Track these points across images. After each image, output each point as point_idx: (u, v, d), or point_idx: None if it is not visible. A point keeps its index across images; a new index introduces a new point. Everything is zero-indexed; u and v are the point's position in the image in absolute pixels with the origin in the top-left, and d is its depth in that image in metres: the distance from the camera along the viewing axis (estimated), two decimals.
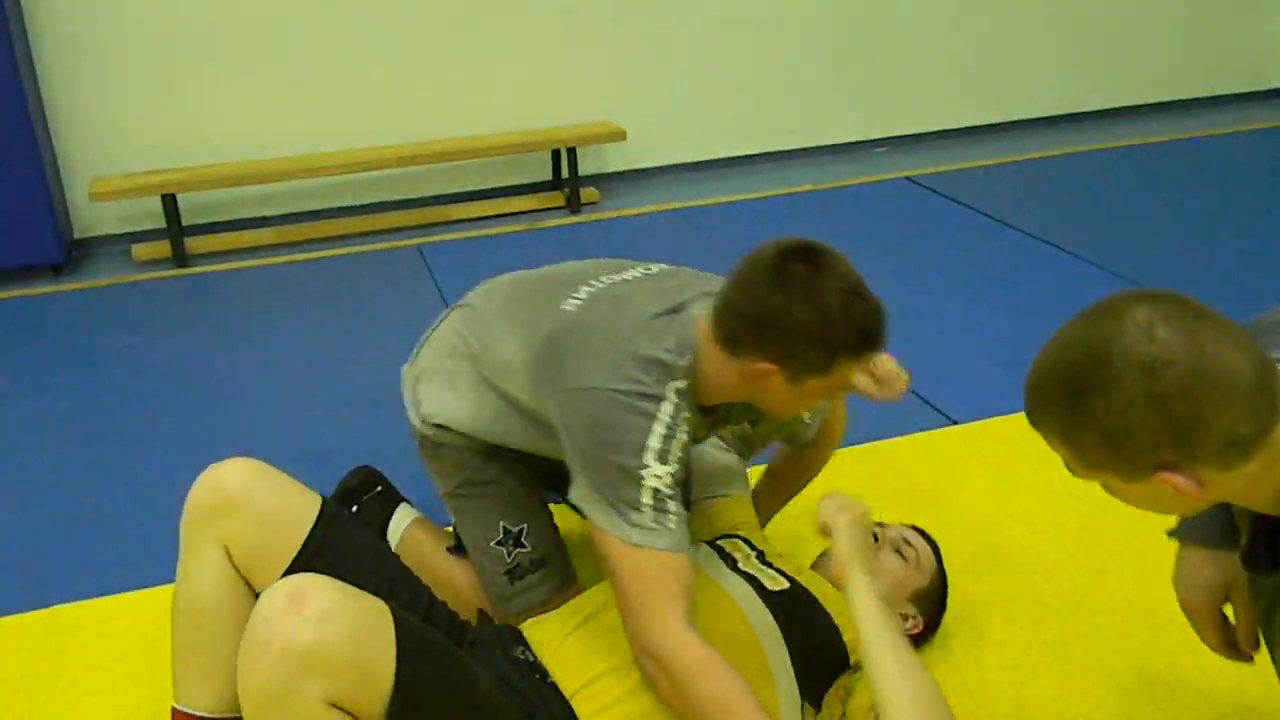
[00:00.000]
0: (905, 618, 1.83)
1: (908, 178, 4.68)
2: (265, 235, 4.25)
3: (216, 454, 1.70)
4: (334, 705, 1.27)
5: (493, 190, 4.60)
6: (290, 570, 1.58)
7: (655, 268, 1.88)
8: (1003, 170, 4.75)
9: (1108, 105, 5.44)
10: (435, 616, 1.71)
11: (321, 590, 1.32)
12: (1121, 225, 4.05)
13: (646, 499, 1.54)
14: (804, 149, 5.05)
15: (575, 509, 1.66)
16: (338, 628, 1.28)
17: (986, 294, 3.51)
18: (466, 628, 1.76)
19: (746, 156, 4.98)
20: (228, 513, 1.60)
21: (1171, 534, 1.48)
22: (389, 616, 1.35)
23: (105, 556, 2.37)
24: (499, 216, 4.45)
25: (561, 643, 1.65)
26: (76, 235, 4.23)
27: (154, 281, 3.97)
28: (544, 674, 1.60)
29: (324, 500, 1.69)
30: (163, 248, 4.10)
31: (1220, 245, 3.81)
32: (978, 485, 2.46)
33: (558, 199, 4.56)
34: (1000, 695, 1.87)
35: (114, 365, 3.28)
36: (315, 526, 1.63)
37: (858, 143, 5.13)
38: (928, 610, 1.88)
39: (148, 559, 2.27)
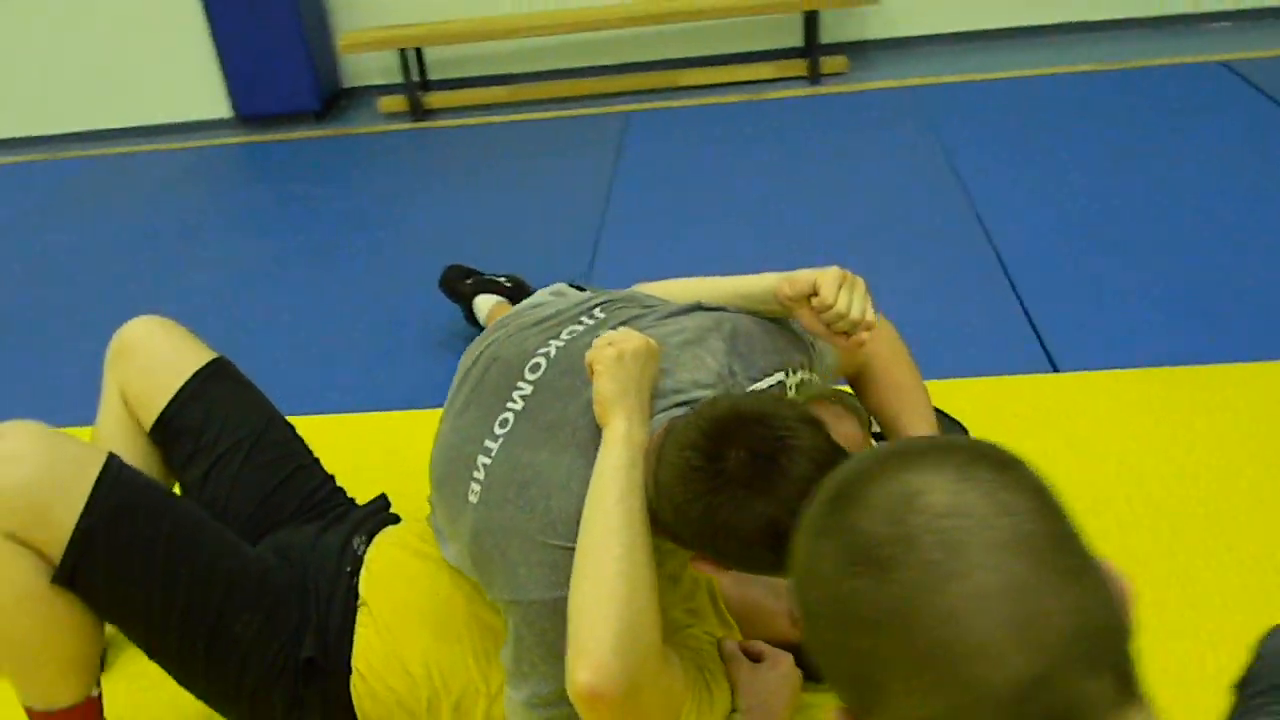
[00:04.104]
0: None
1: (1223, 63, 3.87)
2: (499, 93, 4.34)
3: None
4: (13, 537, 1.34)
5: (732, 56, 4.38)
6: (165, 411, 1.66)
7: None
8: None
9: None
10: (305, 477, 1.72)
11: (21, 434, 1.38)
12: None
13: None
14: (1100, 22, 4.31)
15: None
16: (21, 473, 1.34)
17: None
18: (337, 499, 1.75)
19: (1031, 28, 4.35)
20: (124, 358, 1.72)
21: None
22: (93, 472, 1.38)
23: None
24: (728, 85, 4.23)
25: (383, 552, 1.61)
26: (344, 85, 4.56)
27: (392, 134, 4.20)
28: (357, 572, 1.58)
29: (219, 358, 1.75)
30: (405, 101, 4.32)
31: None
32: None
33: (799, 68, 4.25)
34: None
35: (303, 212, 3.55)
36: (194, 376, 1.70)
37: (1182, 16, 4.30)
38: None
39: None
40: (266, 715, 1.49)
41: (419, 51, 4.31)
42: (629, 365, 1.35)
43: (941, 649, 0.59)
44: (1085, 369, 2.26)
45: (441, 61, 4.43)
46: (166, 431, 1.70)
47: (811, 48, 4.18)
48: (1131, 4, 4.28)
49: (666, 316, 1.51)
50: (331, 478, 1.78)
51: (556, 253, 3.01)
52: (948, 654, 0.59)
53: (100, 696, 1.47)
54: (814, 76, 4.20)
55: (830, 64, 4.22)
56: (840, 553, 0.64)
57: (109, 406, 1.74)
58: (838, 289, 1.42)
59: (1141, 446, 2.00)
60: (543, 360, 1.47)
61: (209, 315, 2.81)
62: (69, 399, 2.08)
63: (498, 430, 1.45)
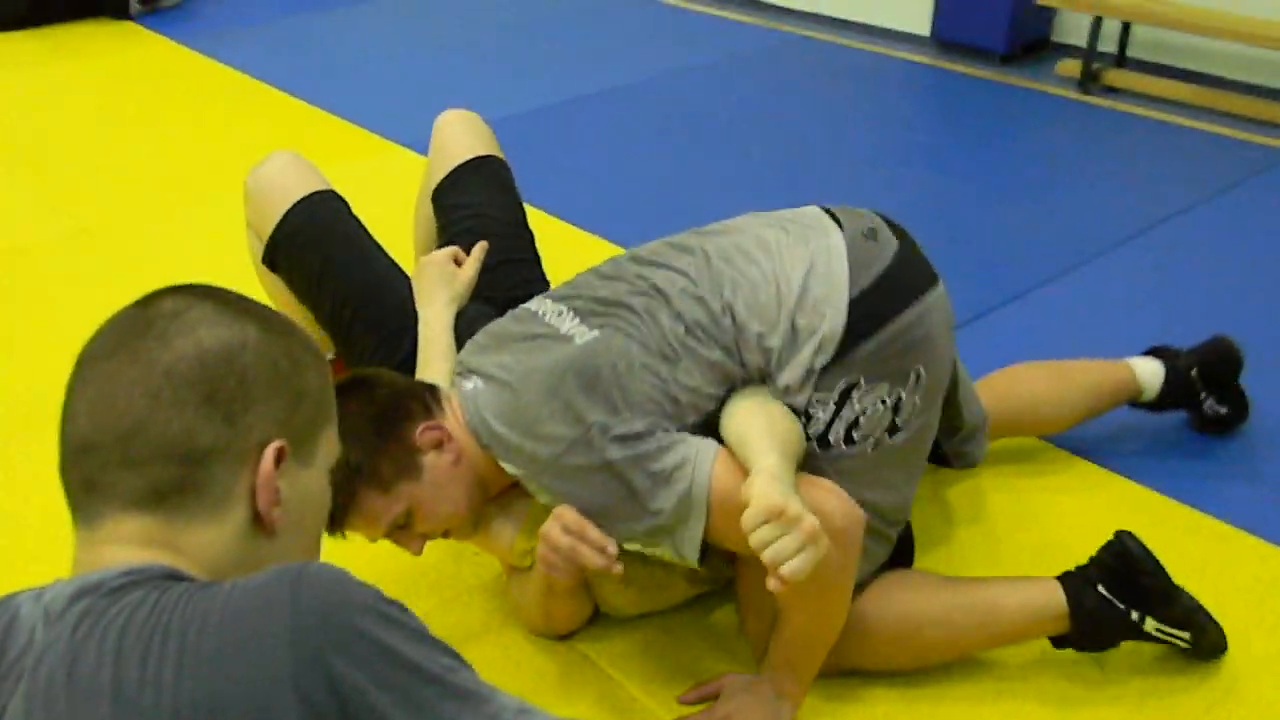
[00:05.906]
0: None
1: None
2: (1180, 90, 3.98)
3: None
4: (250, 224, 1.91)
5: None
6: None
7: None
8: None
9: None
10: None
11: (280, 156, 1.92)
12: None
13: None
14: None
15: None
16: (261, 175, 1.89)
17: None
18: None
19: None
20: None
21: None
22: (302, 194, 1.86)
23: None
24: None
25: None
26: (1043, 34, 4.49)
27: (1049, 97, 4.08)
28: None
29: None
30: (1080, 68, 4.15)
31: None
32: None
33: None
34: None
35: (928, 145, 3.71)
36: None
37: None
38: None
39: None
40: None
41: (1126, 25, 4.08)
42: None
43: (67, 398, 0.83)
44: None
45: (1142, 42, 4.16)
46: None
47: None
48: None
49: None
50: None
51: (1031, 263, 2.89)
52: (66, 403, 0.83)
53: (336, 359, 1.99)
54: None
55: None
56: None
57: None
58: (759, 522, 1.25)
59: None
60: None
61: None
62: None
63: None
